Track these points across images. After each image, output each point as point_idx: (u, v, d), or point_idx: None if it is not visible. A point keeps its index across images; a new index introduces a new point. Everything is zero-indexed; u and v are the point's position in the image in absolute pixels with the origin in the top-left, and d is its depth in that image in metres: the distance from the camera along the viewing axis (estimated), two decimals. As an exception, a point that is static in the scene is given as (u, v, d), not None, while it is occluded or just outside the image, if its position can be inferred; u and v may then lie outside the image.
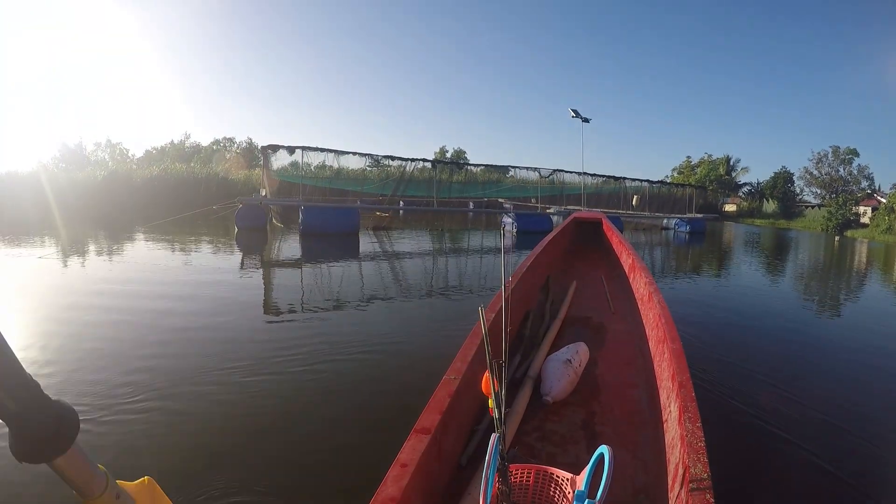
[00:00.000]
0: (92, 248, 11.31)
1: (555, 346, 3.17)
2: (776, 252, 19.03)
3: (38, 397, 0.59)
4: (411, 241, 15.88)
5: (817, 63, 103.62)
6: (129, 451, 2.72)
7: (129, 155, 44.32)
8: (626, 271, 5.33)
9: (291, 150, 18.37)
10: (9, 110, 72.02)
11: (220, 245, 12.82)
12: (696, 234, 22.64)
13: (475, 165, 25.34)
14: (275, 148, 18.45)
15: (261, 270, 9.12)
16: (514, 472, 1.54)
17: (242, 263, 9.84)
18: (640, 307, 4.02)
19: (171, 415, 3.15)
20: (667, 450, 1.91)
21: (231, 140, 52.77)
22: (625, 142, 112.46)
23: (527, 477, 1.56)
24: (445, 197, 23.27)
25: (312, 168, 20.63)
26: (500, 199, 27.32)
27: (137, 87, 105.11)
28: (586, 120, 26.59)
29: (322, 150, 18.79)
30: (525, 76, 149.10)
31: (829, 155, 46.58)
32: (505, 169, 25.62)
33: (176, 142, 48.66)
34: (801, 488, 2.81)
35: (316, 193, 20.09)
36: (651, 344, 3.09)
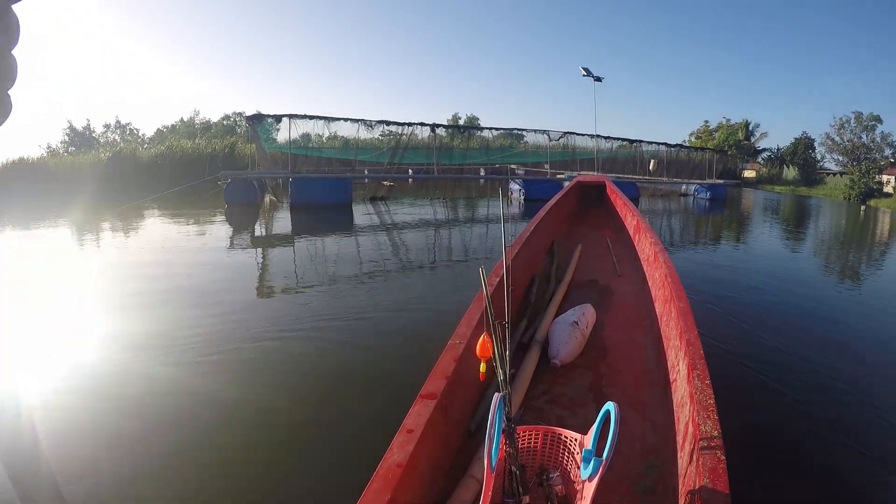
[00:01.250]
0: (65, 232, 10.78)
1: (561, 310, 3.14)
2: (800, 221, 17.97)
3: None
4: (411, 212, 15.20)
5: (840, 21, 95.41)
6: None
7: (140, 135, 43.80)
8: (631, 233, 5.28)
9: (278, 118, 17.49)
10: (22, 96, 71.72)
11: (202, 224, 11.82)
12: (717, 202, 21.36)
13: (479, 128, 23.26)
14: (259, 117, 17.62)
15: (241, 250, 8.44)
16: (521, 434, 1.53)
17: (230, 242, 9.23)
18: (645, 268, 3.98)
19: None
20: (676, 409, 1.89)
21: (241, 115, 51.86)
22: (640, 106, 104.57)
23: (535, 439, 1.55)
24: (447, 164, 22.24)
25: (324, 139, 19.78)
26: (511, 166, 26.13)
27: (148, 65, 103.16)
28: (598, 79, 24.95)
29: (310, 117, 17.85)
30: (538, 38, 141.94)
31: (852, 121, 44.13)
32: (517, 134, 24.48)
33: (186, 119, 47.97)
34: (810, 447, 2.81)
35: (322, 165, 19.39)
36: (658, 304, 3.06)
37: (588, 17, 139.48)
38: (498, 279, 2.58)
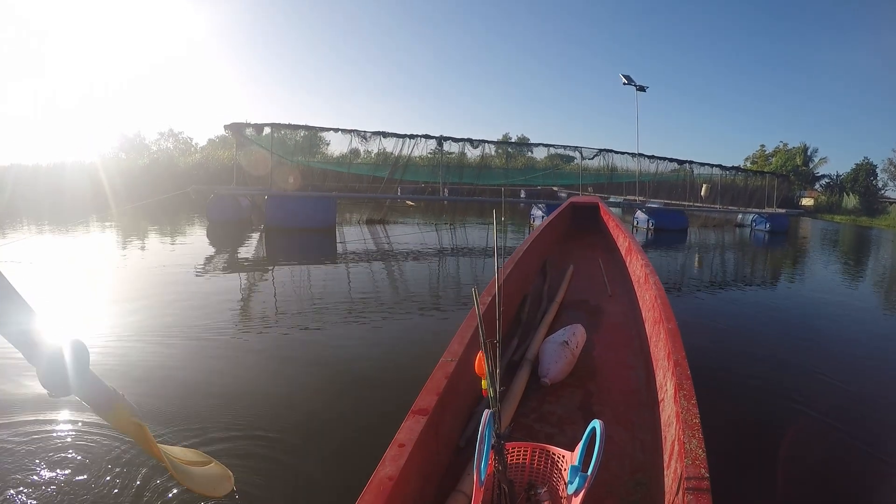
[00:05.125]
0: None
1: (552, 330, 3.18)
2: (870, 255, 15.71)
3: (53, 346, 0.73)
4: (411, 237, 13.18)
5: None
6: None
7: (193, 143, 44.31)
8: (623, 254, 5.35)
9: (260, 127, 15.87)
10: (85, 105, 76.01)
11: (161, 244, 10.74)
12: (778, 234, 18.65)
13: (483, 142, 19.31)
14: (239, 126, 16.04)
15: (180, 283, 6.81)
16: (510, 451, 1.57)
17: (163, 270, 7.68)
18: (636, 289, 4.04)
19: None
20: (663, 428, 1.93)
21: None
22: (689, 128, 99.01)
23: (523, 455, 1.58)
24: (456, 183, 20.19)
25: (373, 155, 18.19)
26: (553, 188, 23.90)
27: (204, 79, 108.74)
28: (642, 88, 22.33)
29: (295, 126, 16.23)
30: (585, 59, 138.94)
31: (918, 144, 41.46)
32: (568, 158, 22.19)
33: (248, 132, 48.88)
34: (794, 464, 2.84)
35: (331, 179, 18.17)
36: (648, 325, 3.11)
37: (638, 27, 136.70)
38: (490, 298, 2.63)
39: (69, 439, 2.74)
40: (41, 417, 2.93)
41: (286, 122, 16.23)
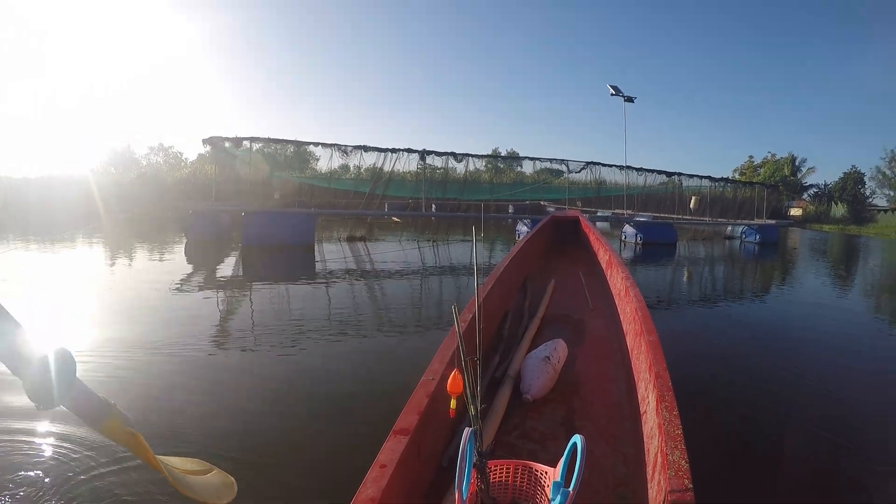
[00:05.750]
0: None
1: (534, 345, 3.19)
2: (857, 263, 16.20)
3: (38, 356, 0.71)
4: (392, 255, 12.95)
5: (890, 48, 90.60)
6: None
7: (183, 158, 43.92)
8: (604, 268, 5.40)
9: (239, 141, 15.64)
10: (85, 105, 76.10)
11: (134, 261, 10.56)
12: (768, 245, 18.67)
13: (467, 156, 18.97)
14: (217, 140, 15.76)
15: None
16: (493, 469, 1.56)
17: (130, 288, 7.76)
18: (617, 302, 4.07)
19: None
20: (645, 440, 1.94)
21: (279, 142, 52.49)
22: (677, 141, 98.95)
23: (506, 473, 1.57)
24: (441, 198, 19.89)
25: (363, 171, 17.68)
26: (542, 202, 23.51)
27: (195, 93, 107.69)
28: (630, 99, 21.87)
29: (275, 140, 16.19)
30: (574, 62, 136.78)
31: (906, 152, 40.61)
32: (558, 172, 21.38)
33: (227, 146, 48.81)
34: (774, 470, 2.87)
35: (327, 196, 17.94)
36: (629, 338, 3.13)
37: (624, 37, 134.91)
38: (471, 315, 2.63)
39: (49, 452, 2.69)
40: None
41: (277, 136, 16.19)
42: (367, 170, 19.23)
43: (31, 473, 2.56)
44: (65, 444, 2.81)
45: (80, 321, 5.62)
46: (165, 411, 3.35)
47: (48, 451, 2.78)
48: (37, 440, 2.90)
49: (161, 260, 11.13)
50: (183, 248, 12.96)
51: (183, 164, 41.08)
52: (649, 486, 1.67)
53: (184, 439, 2.94)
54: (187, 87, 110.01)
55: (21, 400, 2.63)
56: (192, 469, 1.87)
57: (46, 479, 2.50)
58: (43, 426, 3.04)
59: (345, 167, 18.59)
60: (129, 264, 10.37)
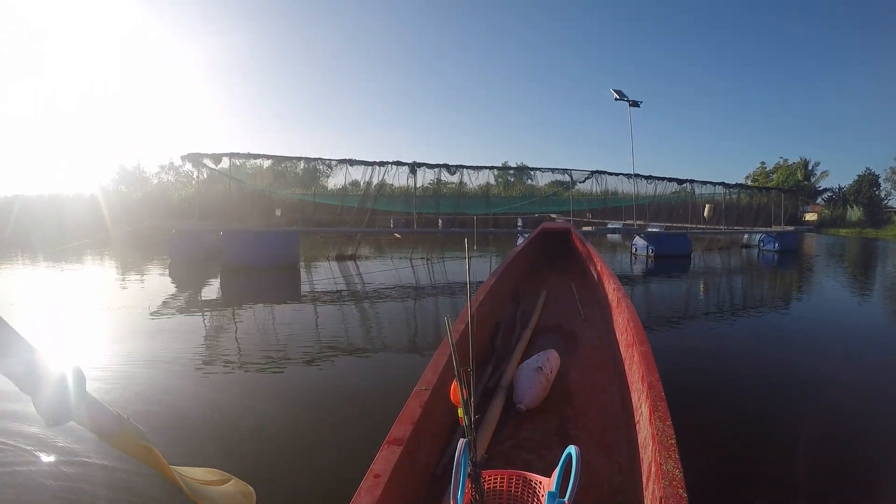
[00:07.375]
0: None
1: (526, 355, 3.19)
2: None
3: (50, 372, 0.71)
4: (383, 274, 12.09)
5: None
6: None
7: (194, 177, 44.10)
8: (595, 279, 5.42)
9: (218, 157, 15.26)
10: (85, 105, 78.81)
11: (112, 282, 10.44)
12: (787, 253, 17.72)
13: (461, 167, 17.78)
14: (197, 157, 15.33)
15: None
16: (487, 479, 1.55)
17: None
18: (609, 313, 4.09)
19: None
20: (640, 450, 1.94)
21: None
22: (686, 148, 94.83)
23: (500, 482, 1.57)
24: (433, 213, 19.35)
25: (390, 188, 16.69)
26: (552, 215, 22.44)
27: (201, 110, 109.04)
28: (635, 104, 20.38)
29: (255, 156, 15.64)
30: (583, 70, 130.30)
31: (921, 151, 39.84)
32: (570, 184, 19.83)
33: (238, 163, 49.30)
34: (768, 478, 2.88)
35: (324, 213, 17.76)
36: (621, 348, 3.15)
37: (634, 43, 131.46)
38: (464, 326, 2.63)
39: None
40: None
41: (282, 153, 16.46)
42: (374, 185, 18.14)
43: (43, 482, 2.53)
44: (76, 449, 2.80)
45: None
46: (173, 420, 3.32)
47: (60, 466, 2.76)
48: (44, 454, 2.89)
49: (140, 282, 10.82)
50: (167, 268, 12.78)
51: (194, 182, 41.45)
52: (644, 495, 1.67)
53: (194, 448, 2.96)
54: (191, 106, 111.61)
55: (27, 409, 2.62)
56: (209, 479, 1.84)
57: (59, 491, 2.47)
58: (55, 437, 3.05)
59: (355, 183, 17.37)
60: (110, 287, 10.13)
